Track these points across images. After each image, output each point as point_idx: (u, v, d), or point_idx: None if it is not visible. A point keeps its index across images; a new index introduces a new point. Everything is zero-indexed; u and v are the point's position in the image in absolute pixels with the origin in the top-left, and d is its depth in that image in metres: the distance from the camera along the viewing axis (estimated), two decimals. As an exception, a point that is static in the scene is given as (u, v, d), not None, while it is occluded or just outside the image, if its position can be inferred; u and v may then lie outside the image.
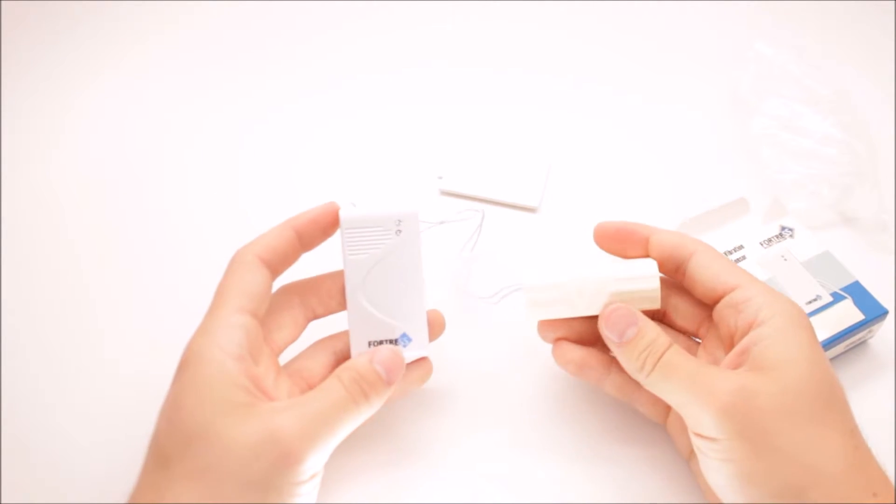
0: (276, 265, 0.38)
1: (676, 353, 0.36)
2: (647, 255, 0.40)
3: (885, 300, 0.45)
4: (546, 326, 0.41)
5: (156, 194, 0.55)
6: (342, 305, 0.40)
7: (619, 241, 0.40)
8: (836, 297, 0.45)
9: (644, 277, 0.39)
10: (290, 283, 0.40)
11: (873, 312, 0.44)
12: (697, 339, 0.41)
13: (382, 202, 0.40)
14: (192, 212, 0.55)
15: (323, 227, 0.39)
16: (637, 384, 0.38)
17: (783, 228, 0.48)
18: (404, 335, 0.40)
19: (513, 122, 0.60)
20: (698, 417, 0.34)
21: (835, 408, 0.34)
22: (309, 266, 0.41)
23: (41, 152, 0.58)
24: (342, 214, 0.39)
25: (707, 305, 0.40)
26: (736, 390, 0.33)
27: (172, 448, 0.32)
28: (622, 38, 0.67)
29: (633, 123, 0.60)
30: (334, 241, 0.40)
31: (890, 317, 0.46)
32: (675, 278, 0.40)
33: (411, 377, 0.40)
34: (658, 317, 0.41)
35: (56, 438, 0.43)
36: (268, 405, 0.34)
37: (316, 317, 0.41)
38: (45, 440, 0.43)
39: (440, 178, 0.55)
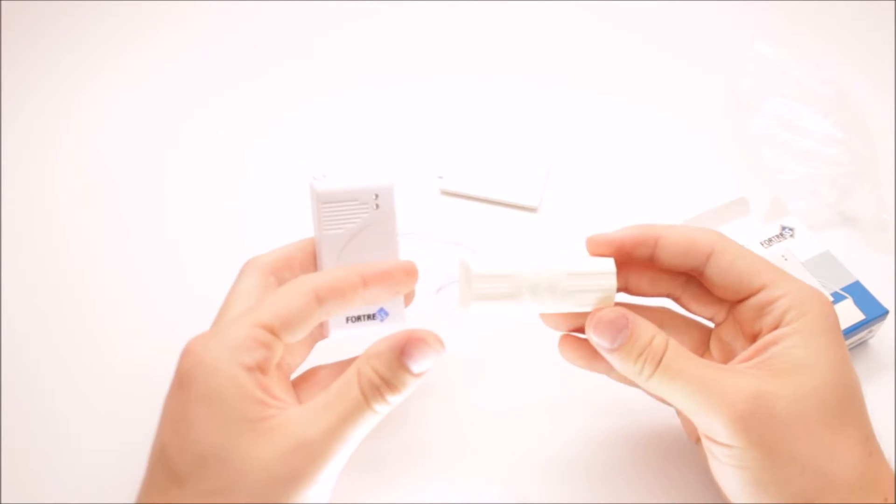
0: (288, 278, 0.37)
1: (679, 355, 0.34)
2: (653, 262, 0.37)
3: (885, 300, 0.45)
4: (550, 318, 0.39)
5: (158, 195, 0.55)
6: None
7: (623, 255, 0.37)
8: (837, 297, 0.45)
9: (601, 274, 0.36)
10: (261, 261, 0.38)
11: (874, 312, 0.44)
12: (711, 324, 0.39)
13: (354, 173, 0.37)
14: (195, 212, 0.55)
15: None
16: None
17: (783, 228, 0.48)
18: (381, 310, 0.39)
19: (513, 122, 0.60)
20: (710, 424, 0.33)
21: (852, 414, 0.33)
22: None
23: (43, 153, 0.58)
24: (317, 188, 0.37)
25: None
26: (752, 397, 0.32)
27: (185, 466, 0.31)
28: (622, 39, 0.67)
29: (633, 123, 0.60)
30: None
31: (890, 317, 0.46)
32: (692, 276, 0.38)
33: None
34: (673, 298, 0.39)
35: (57, 438, 0.43)
36: (282, 418, 0.32)
37: None
38: (45, 440, 0.43)
39: (440, 177, 0.55)
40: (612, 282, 0.36)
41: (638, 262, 0.38)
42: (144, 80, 0.63)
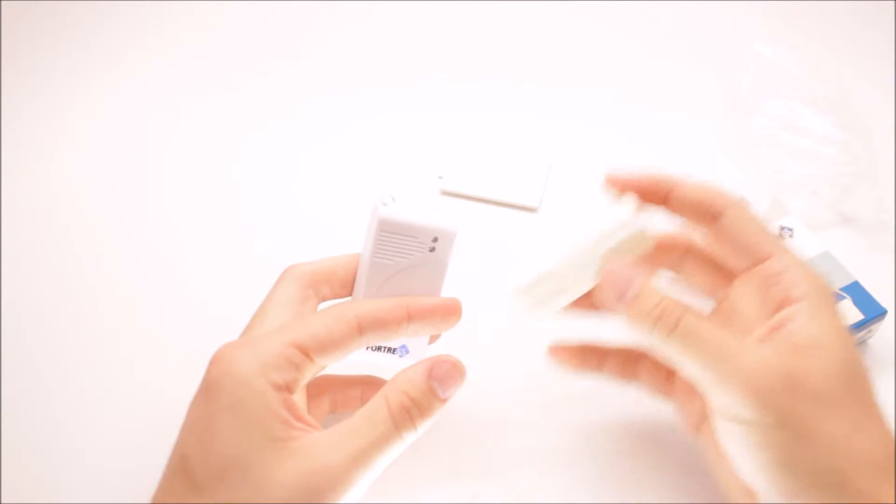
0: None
1: (699, 319, 0.32)
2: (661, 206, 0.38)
3: (884, 300, 0.45)
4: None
5: (159, 195, 0.56)
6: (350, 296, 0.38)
7: (635, 193, 0.37)
8: (836, 297, 0.45)
9: (626, 224, 0.36)
10: (301, 271, 0.37)
11: (873, 312, 0.44)
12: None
13: (422, 208, 0.36)
14: (195, 212, 0.55)
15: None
16: (637, 359, 0.37)
17: (783, 228, 0.48)
18: (403, 346, 0.39)
19: (513, 122, 0.60)
20: (730, 400, 0.32)
21: (870, 394, 0.33)
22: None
23: (43, 153, 0.58)
24: (381, 213, 0.35)
25: (725, 272, 0.38)
26: (780, 372, 0.31)
27: (207, 476, 0.31)
28: (621, 39, 0.67)
29: (632, 124, 0.60)
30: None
31: (889, 317, 0.46)
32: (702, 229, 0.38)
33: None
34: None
35: (57, 438, 0.43)
36: (306, 440, 0.32)
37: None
38: (45, 440, 0.43)
39: (440, 177, 0.55)
40: (640, 222, 0.36)
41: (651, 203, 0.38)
42: (144, 81, 0.63)
